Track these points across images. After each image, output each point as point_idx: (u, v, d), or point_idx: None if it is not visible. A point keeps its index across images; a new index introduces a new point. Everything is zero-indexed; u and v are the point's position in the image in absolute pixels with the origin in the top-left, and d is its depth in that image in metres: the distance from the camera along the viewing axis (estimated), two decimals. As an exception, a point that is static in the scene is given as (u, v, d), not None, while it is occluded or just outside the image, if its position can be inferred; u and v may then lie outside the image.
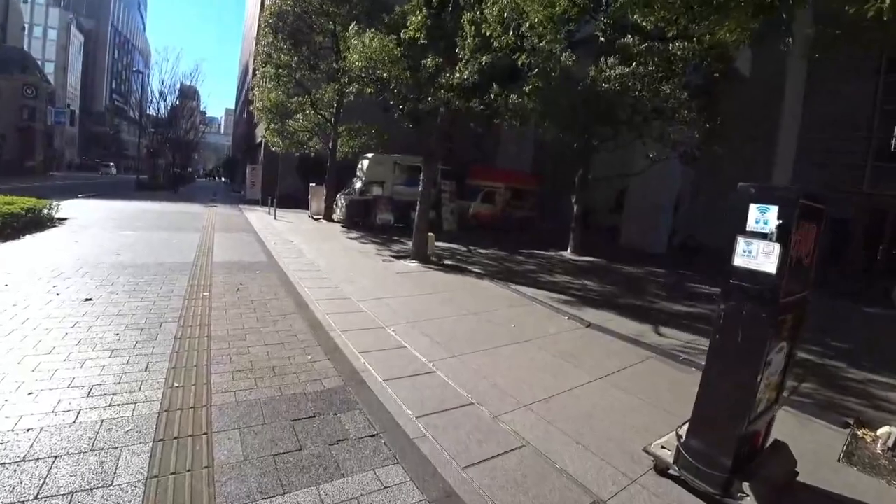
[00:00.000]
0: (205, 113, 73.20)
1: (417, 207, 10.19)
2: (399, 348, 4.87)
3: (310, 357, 4.42)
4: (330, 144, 17.36)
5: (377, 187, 16.24)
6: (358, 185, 16.75)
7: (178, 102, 45.73)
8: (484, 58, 8.18)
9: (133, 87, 60.17)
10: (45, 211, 11.72)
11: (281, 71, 16.28)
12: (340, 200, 16.83)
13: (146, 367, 3.88)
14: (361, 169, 17.22)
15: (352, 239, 13.22)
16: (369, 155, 16.96)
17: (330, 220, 17.41)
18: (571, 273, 10.76)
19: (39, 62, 65.02)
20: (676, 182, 17.70)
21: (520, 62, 8.08)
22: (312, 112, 17.05)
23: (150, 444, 2.89)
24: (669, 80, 11.94)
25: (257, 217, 17.47)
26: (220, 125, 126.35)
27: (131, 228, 12.14)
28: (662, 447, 3.13)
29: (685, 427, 3.00)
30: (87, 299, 5.59)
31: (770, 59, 16.60)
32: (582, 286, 9.33)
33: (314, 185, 18.68)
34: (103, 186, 33.31)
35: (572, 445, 3.32)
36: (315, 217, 18.17)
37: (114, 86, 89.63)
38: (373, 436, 3.22)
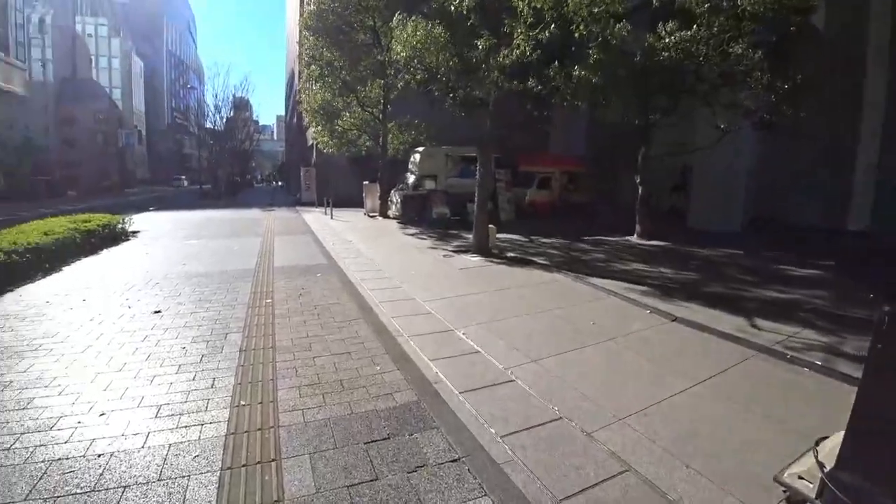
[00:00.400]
0: (257, 122, 76.01)
1: (476, 199, 9.77)
2: (472, 353, 4.50)
3: (378, 367, 4.13)
4: (380, 141, 17.26)
5: (430, 181, 15.96)
6: (411, 179, 16.54)
7: (231, 114, 47.76)
8: (540, 34, 7.61)
9: (190, 103, 63.60)
10: (119, 226, 12.30)
11: (325, 71, 16.29)
12: (395, 196, 16.71)
13: (212, 384, 3.72)
14: (413, 163, 16.97)
15: (409, 235, 13.02)
16: (420, 149, 16.69)
17: (385, 216, 17.34)
18: (643, 259, 9.99)
19: (107, 89, 70.14)
20: (748, 154, 16.21)
21: (577, 33, 7.45)
22: (360, 110, 16.98)
23: (218, 473, 2.67)
24: (738, 41, 10.78)
25: (314, 218, 17.70)
26: (272, 132, 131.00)
27: (196, 238, 12.51)
28: (799, 477, 2.55)
29: (825, 447, 2.42)
30: (156, 311, 5.61)
31: (849, 10, 14.83)
32: (658, 274, 8.59)
33: (367, 182, 18.69)
34: (171, 199, 35.29)
35: (682, 470, 2.82)
36: (370, 215, 18.19)
37: (173, 104, 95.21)
38: (454, 461, 2.86)
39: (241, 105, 51.84)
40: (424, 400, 3.58)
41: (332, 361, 4.21)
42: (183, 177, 69.19)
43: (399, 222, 15.87)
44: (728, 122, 12.13)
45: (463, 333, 5.03)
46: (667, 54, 10.77)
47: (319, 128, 17.65)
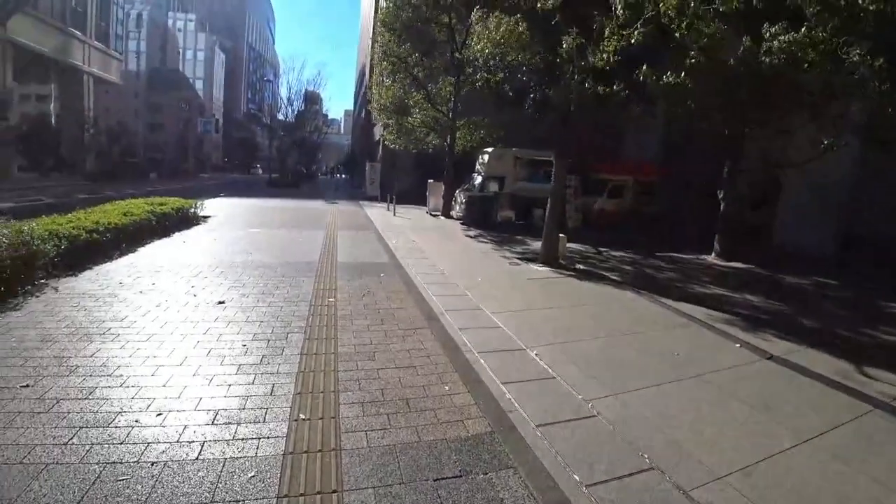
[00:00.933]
0: (327, 115, 78.32)
1: (548, 205, 9.24)
2: (547, 379, 4.04)
3: (447, 388, 3.77)
4: (447, 140, 17.00)
5: (497, 183, 15.47)
6: (477, 180, 16.13)
7: (303, 107, 49.32)
8: (633, 34, 6.98)
9: (266, 95, 66.61)
10: (192, 210, 12.73)
11: (397, 67, 16.20)
12: (459, 197, 16.36)
13: (271, 391, 3.48)
14: (481, 164, 16.56)
15: (472, 237, 12.64)
16: (490, 149, 16.25)
17: (448, 216, 17.07)
18: (723, 282, 9.08)
19: (191, 80, 74.79)
20: (847, 167, 14.54)
21: (678, 32, 6.77)
22: (429, 107, 16.79)
23: (274, 501, 2.39)
24: (854, 45, 9.53)
25: (377, 213, 17.71)
26: (339, 126, 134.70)
27: (261, 226, 12.73)
28: None
29: None
30: (219, 302, 5.53)
31: None
32: (743, 301, 7.73)
33: (432, 181, 18.49)
34: (241, 185, 36.82)
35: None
36: (433, 213, 17.98)
37: (249, 95, 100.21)
38: (536, 513, 2.45)
39: (312, 99, 53.45)
40: (499, 432, 3.17)
41: (398, 376, 3.89)
42: (258, 165, 72.71)
43: (462, 223, 15.53)
44: (833, 137, 10.85)
45: (536, 354, 4.58)
46: (767, 60, 9.72)
47: (388, 123, 17.63)
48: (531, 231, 14.06)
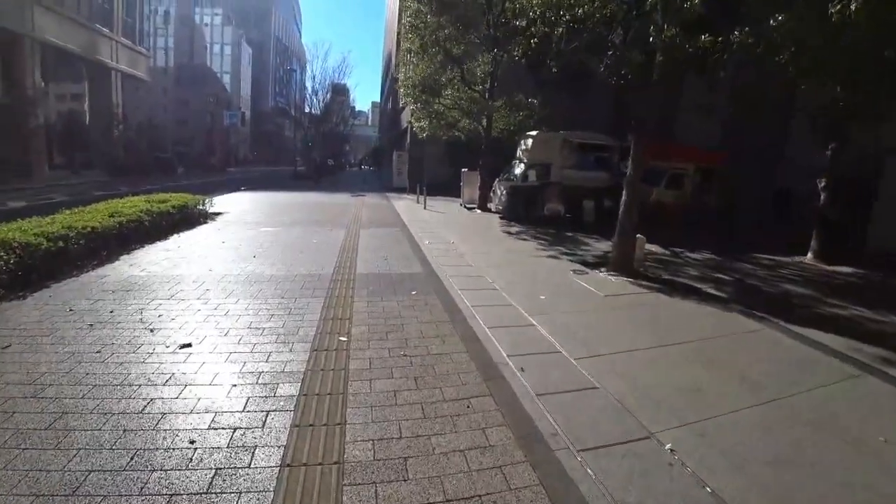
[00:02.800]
0: (353, 107, 77.19)
1: (623, 199, 7.20)
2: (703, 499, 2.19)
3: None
4: (483, 123, 15.02)
5: (542, 171, 13.37)
6: (519, 169, 14.04)
7: (329, 97, 48.15)
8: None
9: (292, 88, 66.05)
10: (199, 207, 11.24)
11: (427, 41, 14.30)
12: (499, 188, 14.32)
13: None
14: (523, 150, 14.43)
15: (517, 236, 10.67)
16: (533, 133, 14.13)
17: (485, 209, 15.11)
18: (852, 296, 6.89)
19: (217, 74, 75.01)
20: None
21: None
22: (464, 88, 14.85)
23: None
24: None
25: (405, 207, 15.92)
26: (367, 118, 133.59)
27: (274, 224, 11.13)
28: None
29: None
30: (183, 346, 3.84)
31: None
32: (892, 324, 5.65)
33: (466, 170, 16.48)
34: (264, 178, 35.72)
35: None
36: (468, 206, 16.04)
37: (277, 89, 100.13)
38: None
39: (338, 90, 52.33)
40: None
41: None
42: (298, 159, 72.72)
43: (502, 217, 13.57)
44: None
45: (669, 447, 2.73)
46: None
47: (417, 105, 15.73)
48: (583, 227, 12.04)
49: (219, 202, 14.74)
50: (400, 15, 17.44)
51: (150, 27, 53.66)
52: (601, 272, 7.22)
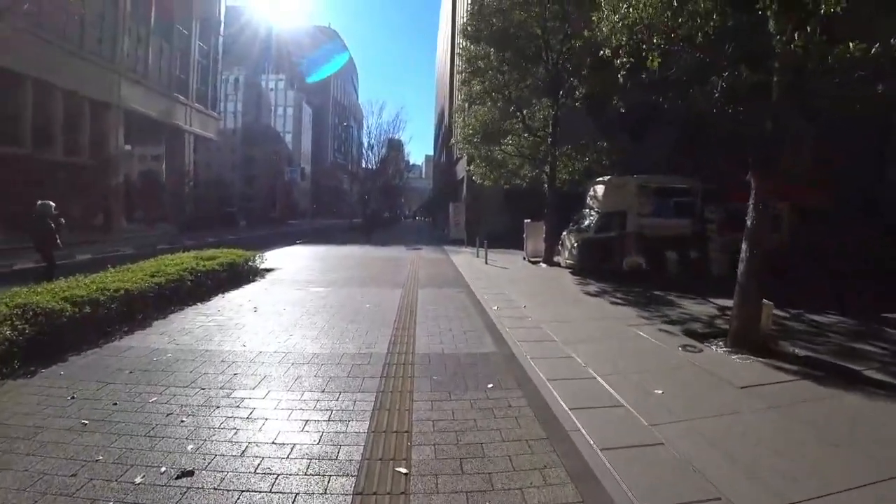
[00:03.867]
0: (408, 161, 79.37)
1: (744, 253, 5.74)
2: None
3: None
4: (546, 170, 13.95)
5: (617, 220, 11.96)
6: (591, 219, 12.68)
7: (384, 152, 49.53)
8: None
9: (350, 145, 69.18)
10: (249, 264, 10.65)
11: (488, 86, 13.67)
12: (567, 240, 12.96)
13: None
14: (593, 197, 13.12)
15: (598, 297, 9.04)
16: (604, 178, 12.86)
17: (551, 263, 13.72)
18: None
19: (280, 133, 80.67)
20: None
21: None
22: (526, 134, 13.95)
23: None
24: None
25: (465, 261, 14.79)
26: (421, 171, 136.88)
27: (327, 283, 10.30)
28: None
29: None
30: (183, 474, 2.77)
31: None
32: None
33: (529, 221, 15.26)
34: (321, 231, 36.13)
35: None
36: (532, 260, 14.70)
37: (335, 145, 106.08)
38: None
39: (393, 144, 53.84)
40: None
41: None
42: (355, 211, 76.30)
43: (572, 273, 12.15)
44: None
45: None
46: None
47: (475, 153, 14.95)
48: (669, 282, 10.43)
49: (272, 256, 14.28)
50: (452, 64, 17.15)
51: (221, 93, 58.00)
52: (718, 348, 5.69)
